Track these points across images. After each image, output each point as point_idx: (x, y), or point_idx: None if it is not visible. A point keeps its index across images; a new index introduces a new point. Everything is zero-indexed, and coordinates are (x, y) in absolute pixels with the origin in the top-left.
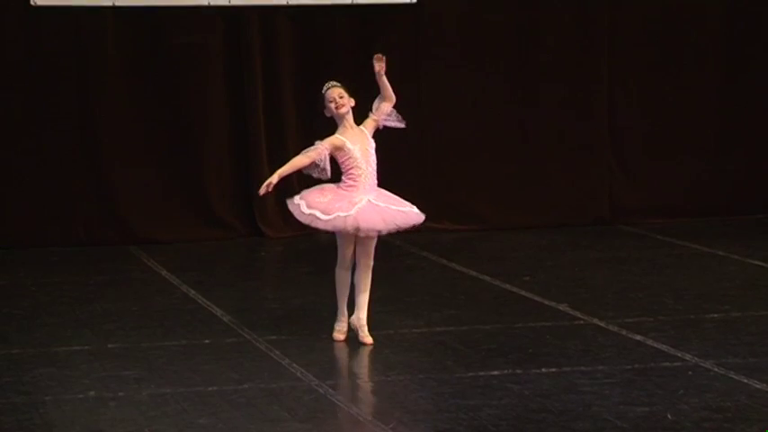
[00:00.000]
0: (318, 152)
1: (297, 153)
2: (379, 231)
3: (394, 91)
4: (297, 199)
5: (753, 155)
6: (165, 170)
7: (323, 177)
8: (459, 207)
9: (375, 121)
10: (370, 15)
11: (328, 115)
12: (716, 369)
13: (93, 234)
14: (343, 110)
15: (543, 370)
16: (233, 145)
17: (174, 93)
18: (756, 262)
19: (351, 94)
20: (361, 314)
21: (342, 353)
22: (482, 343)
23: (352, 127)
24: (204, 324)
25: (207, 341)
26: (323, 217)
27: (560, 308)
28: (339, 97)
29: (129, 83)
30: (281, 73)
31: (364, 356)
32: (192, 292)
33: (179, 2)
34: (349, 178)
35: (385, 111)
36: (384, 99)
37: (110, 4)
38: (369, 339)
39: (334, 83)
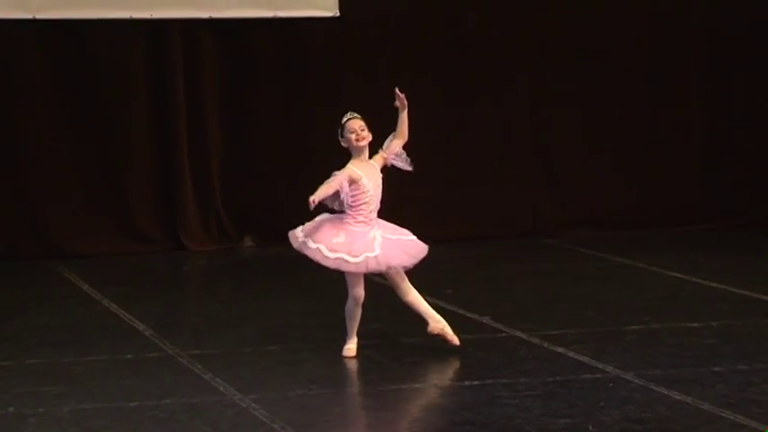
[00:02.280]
0: (339, 182)
1: (219, 166)
2: (406, 267)
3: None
4: (310, 243)
5: (672, 169)
6: (86, 183)
7: (337, 208)
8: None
9: (384, 158)
10: (293, 28)
11: (345, 145)
12: (636, 381)
13: (14, 248)
14: (362, 143)
15: (466, 383)
16: (155, 158)
17: (96, 106)
18: (675, 274)
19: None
20: (437, 317)
21: (264, 367)
22: (405, 356)
23: (366, 161)
24: (126, 339)
25: (129, 356)
26: (352, 260)
27: (483, 320)
28: (360, 130)
29: (51, 96)
30: (204, 86)
31: (287, 370)
32: (114, 306)
33: (100, 15)
34: (358, 213)
35: (394, 150)
36: (396, 136)
37: (30, 16)
38: (456, 340)
39: (355, 114)
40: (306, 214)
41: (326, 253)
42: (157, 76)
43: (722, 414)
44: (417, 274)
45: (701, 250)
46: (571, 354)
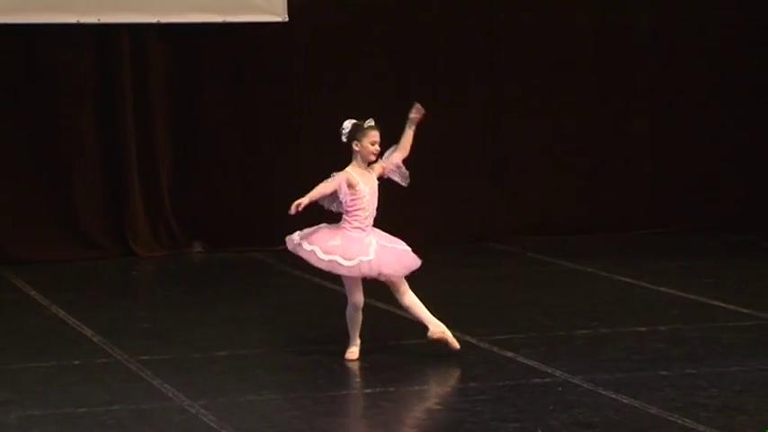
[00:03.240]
0: (338, 182)
1: (168, 171)
2: (398, 276)
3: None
4: (305, 245)
5: (621, 174)
6: (34, 189)
7: (333, 210)
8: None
9: (383, 168)
10: (241, 33)
11: (356, 149)
12: (585, 385)
13: None
14: (372, 157)
15: (416, 387)
16: (103, 164)
17: (43, 111)
18: (624, 278)
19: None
20: (436, 322)
21: (214, 372)
22: (355, 361)
23: (364, 168)
24: (74, 344)
25: (77, 362)
26: (345, 263)
27: None
28: (378, 144)
29: None
30: (153, 91)
31: (236, 376)
32: (62, 312)
33: (48, 19)
34: (354, 219)
35: (395, 162)
36: (399, 149)
37: None
38: (457, 344)
39: (374, 124)
40: (254, 219)
41: (321, 255)
42: (105, 80)
43: (670, 418)
44: (368, 279)
45: (650, 255)
46: (521, 358)
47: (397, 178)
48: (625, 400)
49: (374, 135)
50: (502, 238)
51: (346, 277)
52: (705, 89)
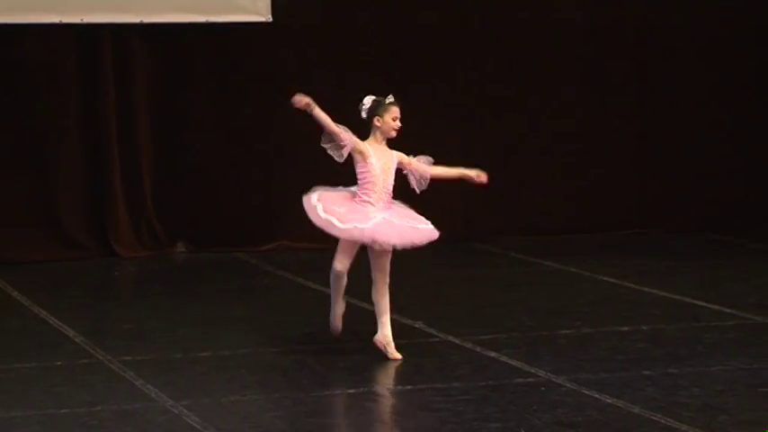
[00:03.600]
0: (345, 132)
1: (151, 171)
2: (395, 246)
3: None
4: (314, 199)
5: (604, 174)
6: (15, 189)
7: (335, 158)
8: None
9: (408, 162)
10: (225, 33)
11: (377, 124)
12: (568, 385)
13: None
14: (393, 133)
15: (399, 388)
16: (86, 164)
17: (25, 110)
18: (607, 278)
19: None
20: (386, 332)
21: (197, 373)
22: (338, 362)
23: (383, 146)
24: (56, 345)
25: (59, 363)
26: (339, 225)
27: (416, 325)
28: (399, 120)
29: None
30: (135, 91)
31: (220, 376)
32: (44, 312)
33: (30, 19)
34: (364, 192)
35: (423, 168)
36: (433, 166)
37: None
38: (397, 355)
39: (395, 99)
40: (238, 220)
41: (320, 212)
42: (88, 80)
43: (652, 417)
44: (351, 279)
45: (636, 255)
46: (503, 358)
47: (413, 181)
48: (608, 400)
49: (396, 111)
50: (485, 239)
51: (341, 240)
52: (705, 89)
